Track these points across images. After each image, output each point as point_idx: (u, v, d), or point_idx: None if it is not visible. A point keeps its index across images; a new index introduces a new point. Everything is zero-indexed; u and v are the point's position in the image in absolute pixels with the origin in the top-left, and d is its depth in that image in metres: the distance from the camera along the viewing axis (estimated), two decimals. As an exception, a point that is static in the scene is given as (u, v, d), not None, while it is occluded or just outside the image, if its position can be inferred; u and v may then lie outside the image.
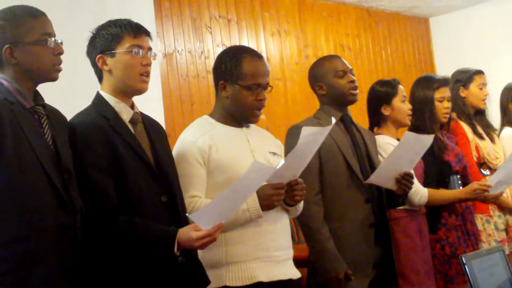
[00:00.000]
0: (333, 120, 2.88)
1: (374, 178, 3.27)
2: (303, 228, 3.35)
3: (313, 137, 2.74)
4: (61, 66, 2.42)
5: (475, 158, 4.37)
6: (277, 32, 6.59)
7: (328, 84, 3.44)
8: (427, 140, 3.26)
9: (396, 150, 3.26)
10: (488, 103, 4.62)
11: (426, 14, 8.09)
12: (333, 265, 3.21)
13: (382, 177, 3.28)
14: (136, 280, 2.45)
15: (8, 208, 2.19)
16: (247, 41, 6.27)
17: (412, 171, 3.37)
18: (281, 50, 6.61)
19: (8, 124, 2.22)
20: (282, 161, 2.63)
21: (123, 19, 2.65)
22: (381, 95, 3.87)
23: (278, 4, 6.65)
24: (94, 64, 2.66)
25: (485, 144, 4.44)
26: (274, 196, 2.72)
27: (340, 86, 3.43)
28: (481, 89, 4.54)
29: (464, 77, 4.56)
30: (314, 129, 2.74)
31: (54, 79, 2.42)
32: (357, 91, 3.46)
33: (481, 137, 4.46)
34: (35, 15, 2.39)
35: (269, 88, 2.95)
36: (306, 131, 2.67)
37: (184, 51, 5.77)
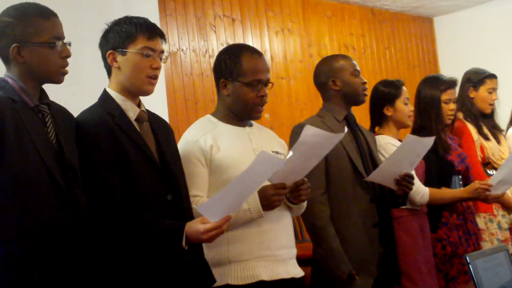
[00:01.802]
0: (346, 129, 2.88)
1: (375, 176, 3.28)
2: (309, 227, 3.34)
3: (317, 139, 2.71)
4: (67, 69, 2.41)
5: (479, 158, 4.37)
6: (281, 31, 6.60)
7: (343, 81, 3.43)
8: (428, 142, 3.27)
9: (397, 152, 3.27)
10: (497, 104, 4.61)
11: (430, 13, 8.08)
12: (338, 265, 3.21)
13: (382, 176, 3.29)
14: (143, 277, 2.44)
15: (10, 206, 2.19)
16: (251, 40, 6.28)
17: (413, 172, 3.38)
18: (285, 49, 6.61)
19: (11, 122, 2.22)
20: (290, 153, 2.60)
21: (140, 17, 2.63)
22: (385, 95, 3.87)
23: (282, 3, 6.66)
24: (104, 58, 2.65)
25: (490, 145, 4.44)
26: (275, 196, 2.71)
27: (356, 85, 3.44)
28: (490, 93, 4.53)
29: (476, 78, 4.56)
30: (318, 130, 2.72)
31: (59, 82, 2.41)
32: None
33: (486, 138, 4.46)
34: (46, 16, 2.37)
35: (270, 85, 2.95)
36: (308, 130, 2.64)
37: (189, 50, 5.78)
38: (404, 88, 3.88)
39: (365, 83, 3.46)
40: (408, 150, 3.25)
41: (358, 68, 3.48)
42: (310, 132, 2.65)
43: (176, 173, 2.63)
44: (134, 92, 2.63)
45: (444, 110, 4.07)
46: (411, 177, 3.32)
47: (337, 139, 2.79)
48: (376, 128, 3.94)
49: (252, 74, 2.89)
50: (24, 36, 2.32)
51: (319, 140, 2.73)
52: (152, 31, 2.61)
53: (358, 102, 3.48)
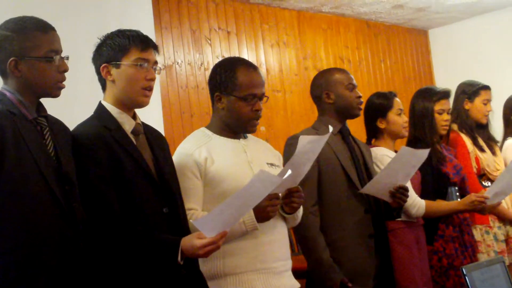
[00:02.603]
0: (331, 129, 2.88)
1: (369, 188, 3.29)
2: (299, 238, 3.35)
3: (311, 146, 2.73)
4: (64, 83, 2.41)
5: (474, 170, 4.38)
6: (276, 44, 6.61)
7: (337, 94, 3.45)
8: (423, 154, 3.28)
9: (391, 164, 3.27)
10: (491, 116, 4.63)
11: (425, 26, 8.11)
12: (328, 275, 3.21)
13: (377, 188, 3.29)
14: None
15: (9, 219, 2.19)
16: (246, 53, 6.29)
17: (408, 184, 3.38)
18: (281, 62, 6.63)
19: (10, 135, 2.23)
20: (289, 171, 2.61)
21: (132, 29, 2.64)
22: (377, 108, 3.88)
23: (278, 16, 6.68)
24: (98, 72, 2.65)
25: (485, 156, 4.46)
26: (269, 207, 2.70)
27: (350, 99, 3.45)
28: (485, 104, 4.56)
29: (470, 90, 4.58)
30: (312, 137, 2.74)
31: (55, 96, 2.41)
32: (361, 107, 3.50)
33: (481, 149, 4.47)
34: (45, 30, 2.38)
35: (265, 99, 2.95)
36: (303, 140, 2.67)
37: (184, 63, 5.79)
38: (396, 99, 3.89)
39: (360, 97, 3.47)
40: (402, 162, 3.25)
41: (354, 82, 3.49)
42: (305, 141, 2.67)
43: (172, 186, 2.62)
44: (130, 104, 2.63)
45: (438, 120, 4.09)
46: (406, 189, 3.32)
47: (325, 139, 2.79)
48: (373, 141, 3.95)
49: (247, 89, 2.88)
50: (22, 50, 2.32)
51: (312, 146, 2.75)
52: (145, 42, 2.61)
53: (352, 115, 3.49)
